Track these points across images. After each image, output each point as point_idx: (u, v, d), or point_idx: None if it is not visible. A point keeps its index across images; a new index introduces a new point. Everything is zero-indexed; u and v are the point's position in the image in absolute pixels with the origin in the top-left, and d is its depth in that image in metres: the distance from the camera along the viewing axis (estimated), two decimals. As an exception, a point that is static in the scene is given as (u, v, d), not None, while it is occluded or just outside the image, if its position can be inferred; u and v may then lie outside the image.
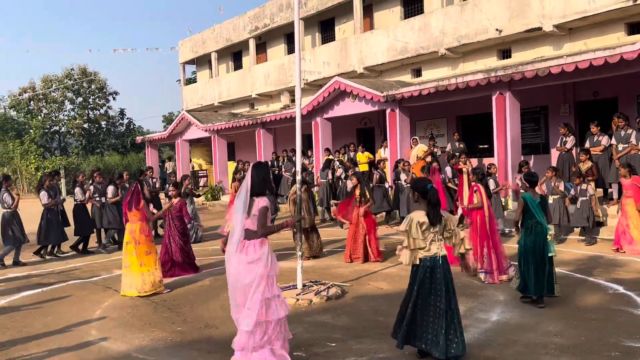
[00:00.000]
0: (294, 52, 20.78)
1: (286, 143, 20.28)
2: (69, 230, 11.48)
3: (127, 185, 11.90)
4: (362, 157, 16.22)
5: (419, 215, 4.69)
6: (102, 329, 6.19)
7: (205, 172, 24.32)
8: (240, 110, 25.76)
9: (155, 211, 9.18)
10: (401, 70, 18.20)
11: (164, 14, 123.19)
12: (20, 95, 38.48)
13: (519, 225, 6.58)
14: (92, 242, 12.03)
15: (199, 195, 19.70)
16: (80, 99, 39.28)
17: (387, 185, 13.39)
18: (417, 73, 17.86)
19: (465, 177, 8.32)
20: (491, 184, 10.42)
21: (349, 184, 10.30)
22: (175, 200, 9.21)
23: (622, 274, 7.63)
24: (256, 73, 24.06)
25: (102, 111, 39.97)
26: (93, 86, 39.34)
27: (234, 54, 26.92)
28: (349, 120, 18.34)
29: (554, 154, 12.67)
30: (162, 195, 15.69)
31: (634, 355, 4.79)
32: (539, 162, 13.96)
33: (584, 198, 9.74)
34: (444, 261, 4.70)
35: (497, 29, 14.61)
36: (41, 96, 38.18)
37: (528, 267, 6.32)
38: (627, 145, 10.30)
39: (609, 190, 11.05)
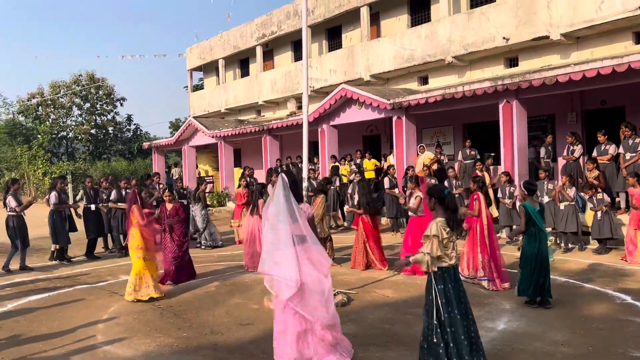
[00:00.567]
0: (300, 59, 20.95)
1: (292, 150, 20.32)
2: (76, 235, 11.52)
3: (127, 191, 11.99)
4: (369, 164, 16.26)
5: (442, 221, 4.56)
6: (108, 333, 6.21)
7: (211, 178, 24.40)
8: (246, 117, 25.83)
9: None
10: (408, 78, 18.21)
11: (172, 21, 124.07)
12: (28, 100, 38.73)
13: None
14: (99, 248, 12.09)
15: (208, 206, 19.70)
16: (87, 105, 39.48)
17: (397, 192, 13.38)
18: (424, 81, 17.87)
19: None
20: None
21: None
22: (169, 206, 8.94)
23: (631, 284, 7.58)
24: (263, 80, 24.15)
25: (109, 117, 40.12)
26: (101, 92, 39.54)
27: (241, 61, 27.03)
28: (356, 127, 18.35)
29: (561, 162, 12.63)
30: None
31: (642, 365, 4.76)
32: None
33: (604, 208, 9.62)
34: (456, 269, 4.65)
35: (504, 37, 14.62)
36: (49, 102, 38.41)
37: (532, 273, 6.46)
38: (634, 154, 10.27)
39: (617, 199, 11.00)
